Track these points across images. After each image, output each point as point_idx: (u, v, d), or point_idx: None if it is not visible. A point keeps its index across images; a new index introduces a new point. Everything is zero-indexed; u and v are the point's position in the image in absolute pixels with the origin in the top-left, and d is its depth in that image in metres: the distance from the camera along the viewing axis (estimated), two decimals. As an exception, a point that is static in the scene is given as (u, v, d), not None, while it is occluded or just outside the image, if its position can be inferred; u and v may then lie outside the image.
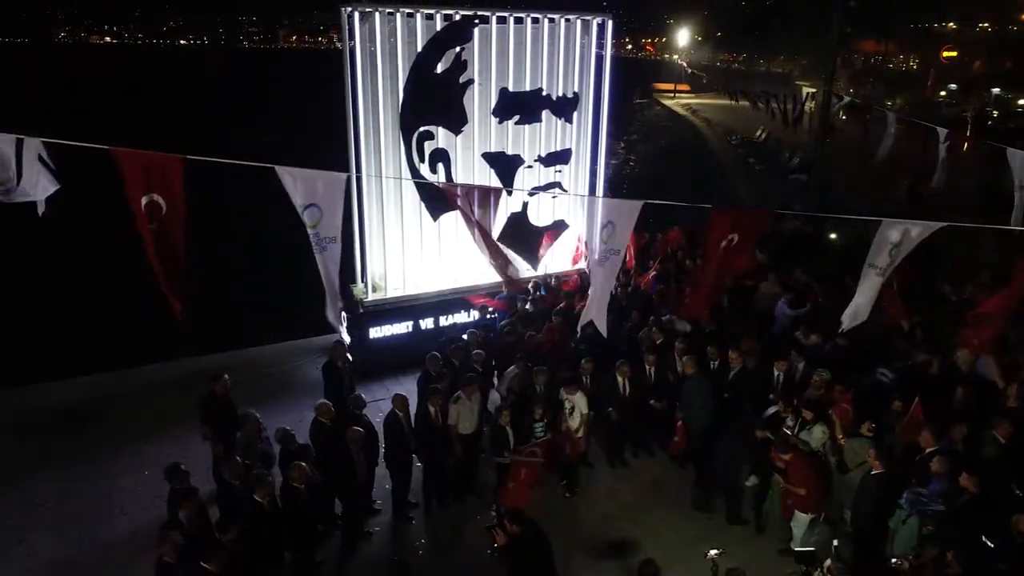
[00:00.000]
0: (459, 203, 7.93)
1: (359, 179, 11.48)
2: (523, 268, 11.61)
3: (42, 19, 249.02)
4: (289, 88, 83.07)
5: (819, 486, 7.69)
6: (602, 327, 8.71)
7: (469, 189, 8.05)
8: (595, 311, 8.36)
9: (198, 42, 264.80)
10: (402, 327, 12.46)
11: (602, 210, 7.43)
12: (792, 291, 11.60)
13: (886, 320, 9.86)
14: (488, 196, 7.95)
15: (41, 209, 5.60)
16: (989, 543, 6.33)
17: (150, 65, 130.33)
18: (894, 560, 5.72)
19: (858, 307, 7.44)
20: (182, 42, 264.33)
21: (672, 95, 71.24)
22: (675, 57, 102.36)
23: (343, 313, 10.08)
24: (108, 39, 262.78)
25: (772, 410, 8.83)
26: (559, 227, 13.54)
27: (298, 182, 6.55)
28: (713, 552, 6.22)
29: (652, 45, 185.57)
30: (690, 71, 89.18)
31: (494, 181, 12.71)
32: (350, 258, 11.69)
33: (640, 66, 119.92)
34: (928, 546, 5.94)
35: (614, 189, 39.85)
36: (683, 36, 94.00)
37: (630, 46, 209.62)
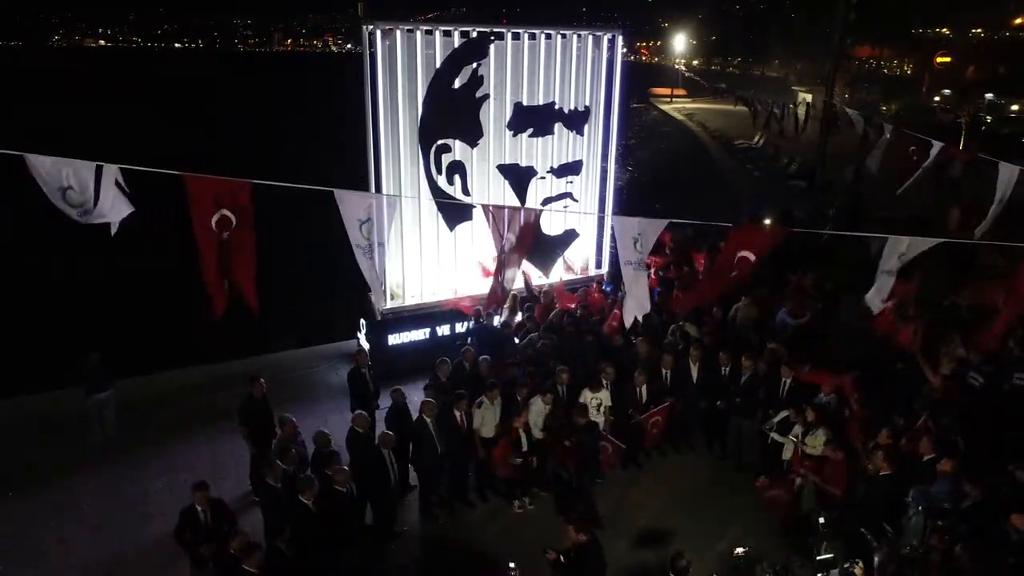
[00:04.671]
0: (491, 223, 8.31)
1: (379, 190, 11.88)
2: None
3: (37, 22, 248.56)
4: (291, 92, 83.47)
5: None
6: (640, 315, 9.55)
7: (500, 209, 8.46)
8: (635, 307, 9.02)
9: (192, 45, 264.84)
10: (419, 334, 12.83)
11: (631, 227, 7.98)
12: (793, 300, 11.99)
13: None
14: (517, 215, 8.33)
15: (114, 230, 5.99)
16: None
17: (149, 68, 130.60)
18: (905, 549, 6.09)
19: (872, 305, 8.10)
20: (176, 45, 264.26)
21: (669, 100, 71.65)
22: (673, 62, 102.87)
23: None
24: (102, 42, 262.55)
25: (783, 415, 9.23)
26: (570, 237, 13.95)
27: (357, 200, 7.07)
28: (740, 549, 6.63)
29: (647, 49, 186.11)
30: (687, 75, 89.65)
31: (508, 192, 13.11)
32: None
33: (636, 70, 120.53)
34: (936, 538, 6.33)
35: (615, 195, 40.26)
36: (680, 41, 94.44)
37: (625, 50, 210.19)
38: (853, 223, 17.43)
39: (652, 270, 13.26)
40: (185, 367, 13.46)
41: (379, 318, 12.56)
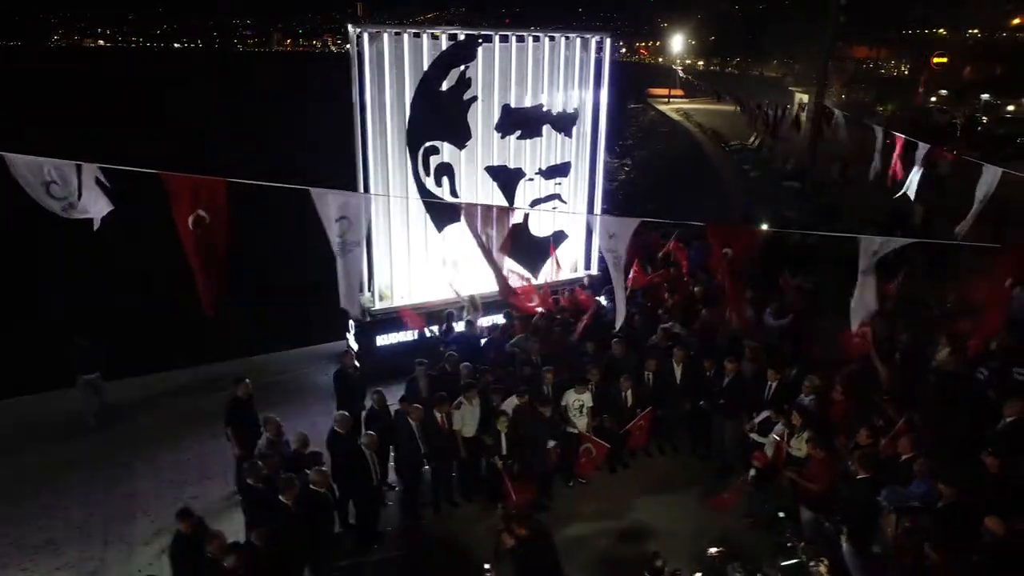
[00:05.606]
0: (469, 221, 8.40)
1: (367, 192, 11.96)
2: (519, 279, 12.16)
3: (36, 22, 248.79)
4: (291, 92, 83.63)
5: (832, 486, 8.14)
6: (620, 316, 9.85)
7: (481, 208, 8.53)
8: (618, 305, 9.46)
9: (192, 45, 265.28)
10: (408, 335, 12.87)
11: (606, 225, 8.06)
12: (778, 300, 12.08)
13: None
14: (499, 215, 8.42)
15: (96, 225, 6.11)
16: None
17: (146, 68, 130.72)
18: (875, 548, 6.17)
19: (863, 305, 8.05)
20: (176, 45, 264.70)
21: (666, 100, 71.73)
22: (672, 63, 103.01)
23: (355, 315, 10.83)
24: (102, 42, 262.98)
25: (764, 415, 9.30)
26: (559, 237, 14.01)
27: (331, 199, 7.12)
28: (713, 550, 6.70)
29: (646, 49, 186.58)
30: (684, 76, 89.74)
31: (497, 193, 13.19)
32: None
33: (635, 70, 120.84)
34: (906, 538, 6.40)
35: (611, 195, 40.50)
36: (677, 41, 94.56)
37: (624, 50, 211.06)
38: (830, 222, 17.58)
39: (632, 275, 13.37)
40: (176, 369, 13.51)
41: (368, 319, 12.62)
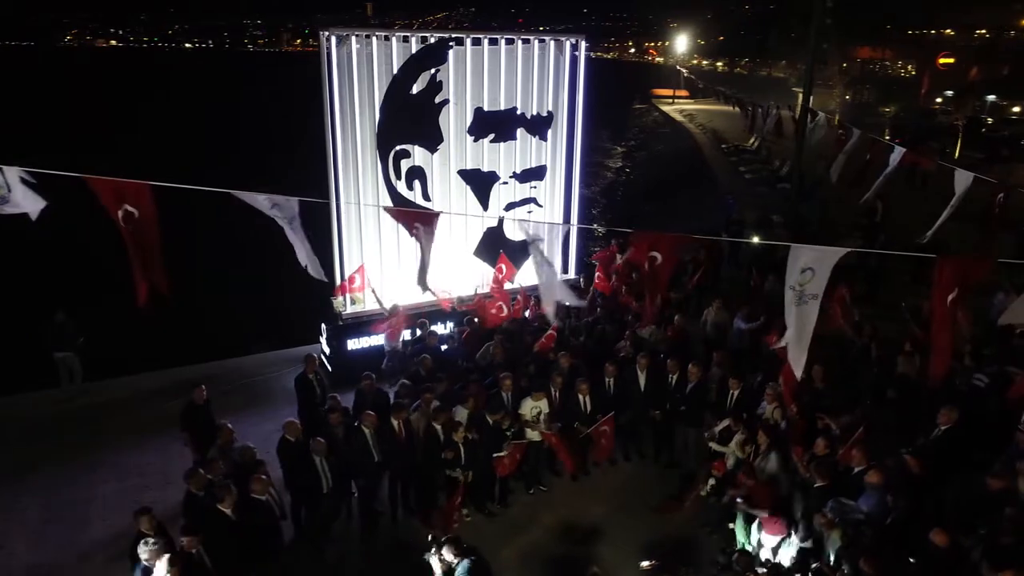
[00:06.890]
0: (409, 225, 8.50)
1: (338, 195, 11.94)
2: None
3: (48, 23, 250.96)
4: (289, 90, 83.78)
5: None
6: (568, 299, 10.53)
7: (417, 214, 8.61)
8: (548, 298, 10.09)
9: (203, 45, 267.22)
10: (379, 339, 12.81)
11: (536, 230, 8.11)
12: (748, 304, 11.97)
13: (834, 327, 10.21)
14: (431, 220, 8.52)
15: (34, 217, 6.23)
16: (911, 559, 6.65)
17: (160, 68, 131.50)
18: (814, 565, 6.07)
19: (794, 337, 7.55)
20: (187, 45, 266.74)
21: (671, 101, 71.43)
22: (678, 63, 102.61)
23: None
24: (113, 43, 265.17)
25: (724, 424, 9.18)
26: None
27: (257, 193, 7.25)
28: (645, 563, 6.61)
29: (655, 49, 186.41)
30: (688, 76, 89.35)
31: (470, 197, 13.13)
32: (330, 271, 12.09)
33: (643, 70, 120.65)
34: (846, 553, 6.30)
35: (610, 195, 40.43)
36: (683, 42, 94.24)
37: (633, 50, 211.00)
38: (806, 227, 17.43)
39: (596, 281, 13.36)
40: (147, 372, 13.50)
41: (339, 323, 12.58)
